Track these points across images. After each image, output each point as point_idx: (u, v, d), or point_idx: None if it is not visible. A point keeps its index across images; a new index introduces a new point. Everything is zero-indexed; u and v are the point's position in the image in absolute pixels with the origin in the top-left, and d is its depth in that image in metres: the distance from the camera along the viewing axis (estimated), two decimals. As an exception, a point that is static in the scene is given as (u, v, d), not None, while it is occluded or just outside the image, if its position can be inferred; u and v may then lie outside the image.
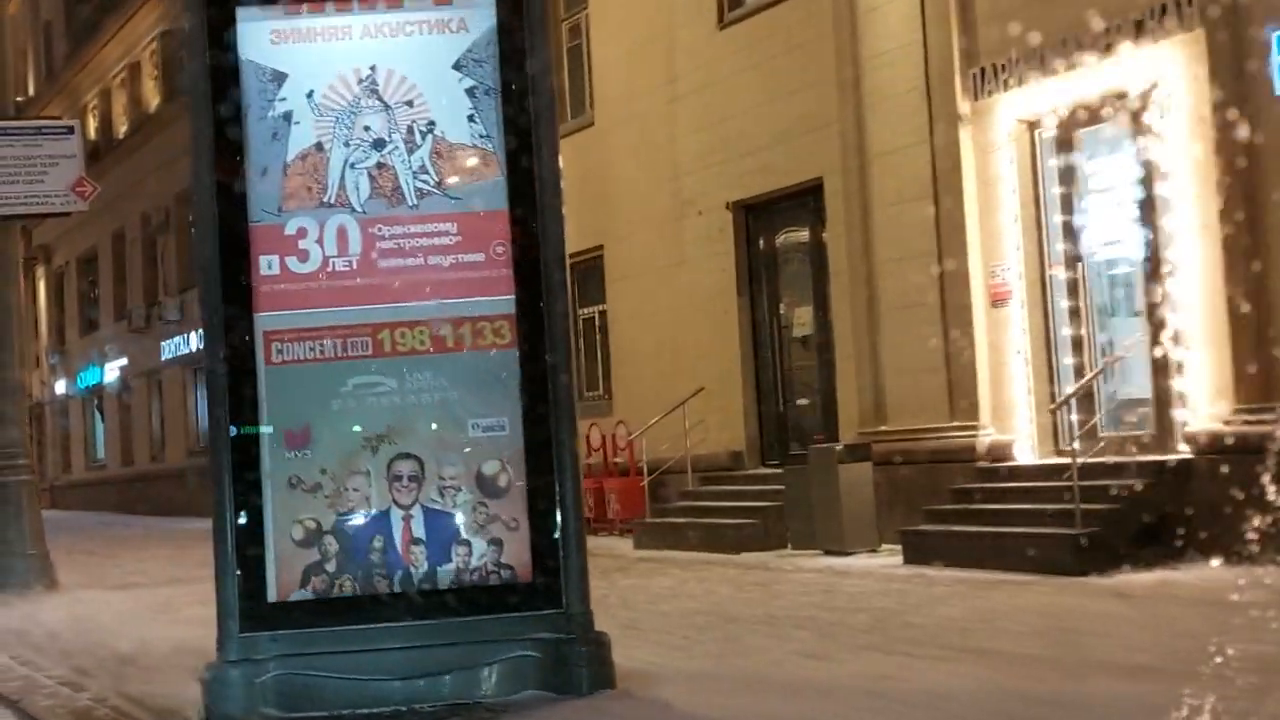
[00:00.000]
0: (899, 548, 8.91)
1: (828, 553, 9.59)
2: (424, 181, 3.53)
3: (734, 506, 11.34)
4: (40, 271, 45.55)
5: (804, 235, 12.08)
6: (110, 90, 36.28)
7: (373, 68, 3.54)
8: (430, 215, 3.53)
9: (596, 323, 13.52)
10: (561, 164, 3.60)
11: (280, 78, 3.53)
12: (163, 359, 35.34)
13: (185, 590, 12.12)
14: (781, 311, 12.40)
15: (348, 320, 3.50)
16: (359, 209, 3.52)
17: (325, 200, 3.52)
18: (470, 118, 3.54)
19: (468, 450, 3.49)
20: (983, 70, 9.30)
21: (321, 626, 3.42)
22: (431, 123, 3.54)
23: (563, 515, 3.47)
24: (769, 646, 5.20)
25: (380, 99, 3.54)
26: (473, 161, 3.53)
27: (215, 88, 3.50)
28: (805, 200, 11.78)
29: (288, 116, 3.53)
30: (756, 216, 12.47)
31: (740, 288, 12.41)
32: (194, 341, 32.95)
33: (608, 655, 3.56)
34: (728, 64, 12.26)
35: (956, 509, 8.66)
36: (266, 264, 3.50)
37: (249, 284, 3.49)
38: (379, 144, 3.53)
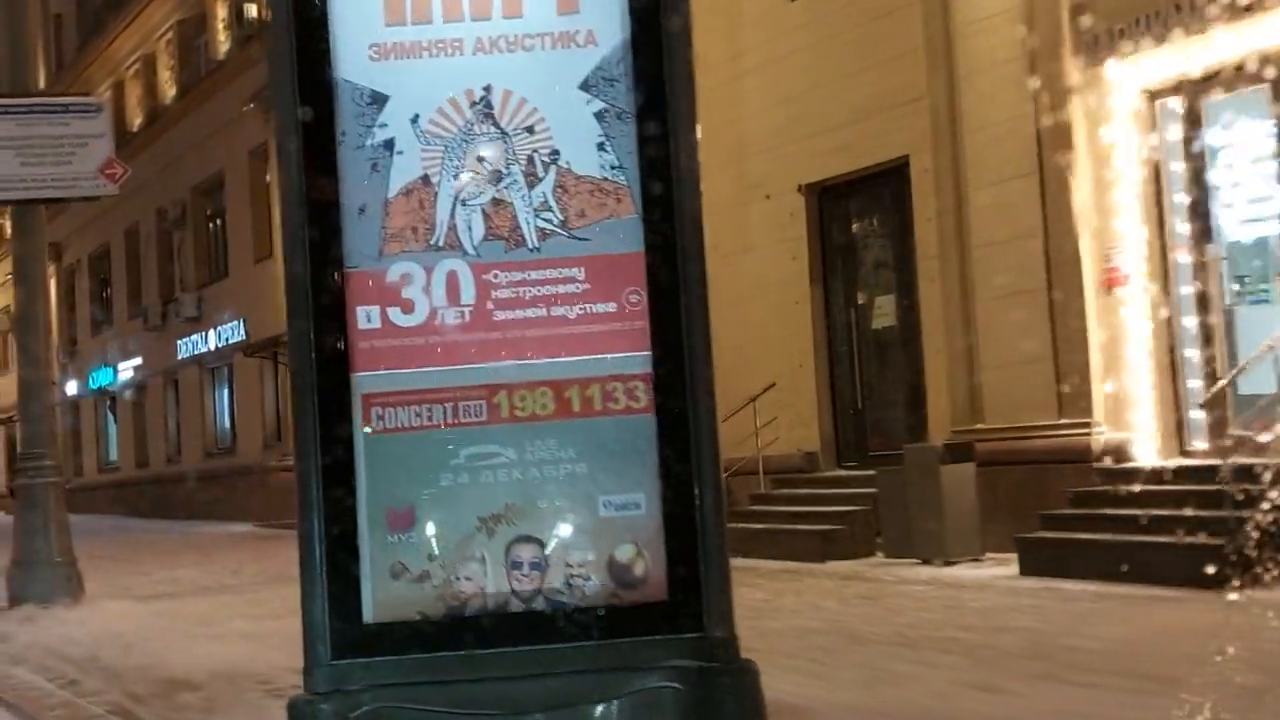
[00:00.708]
0: (1006, 556, 8.62)
1: (926, 562, 9.30)
2: (546, 220, 3.23)
3: (812, 511, 11.06)
4: (50, 269, 45.55)
5: (886, 219, 11.75)
6: (124, 82, 36.26)
7: (487, 88, 3.24)
8: (554, 259, 3.23)
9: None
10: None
11: (380, 100, 3.24)
12: (179, 358, 35.43)
13: (221, 602, 11.98)
14: (859, 301, 12.09)
15: (459, 381, 3.21)
16: (472, 252, 3.23)
17: (433, 242, 3.23)
18: (600, 146, 3.23)
19: (597, 532, 3.20)
20: (1096, 36, 8.92)
21: (423, 651, 3.11)
22: (555, 152, 3.24)
23: (702, 521, 3.14)
24: (921, 674, 4.94)
25: (496, 125, 3.24)
26: (603, 196, 3.23)
27: (304, 105, 3.20)
28: (888, 181, 11.44)
29: (389, 145, 3.23)
30: (832, 199, 12.15)
31: (813, 276, 12.12)
32: (212, 339, 33.00)
33: (757, 687, 3.21)
34: (800, 36, 11.92)
35: (1077, 515, 8.36)
36: (365, 316, 3.22)
37: (345, 339, 3.21)
38: (495, 177, 3.24)
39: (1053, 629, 5.90)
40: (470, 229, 3.24)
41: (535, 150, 3.24)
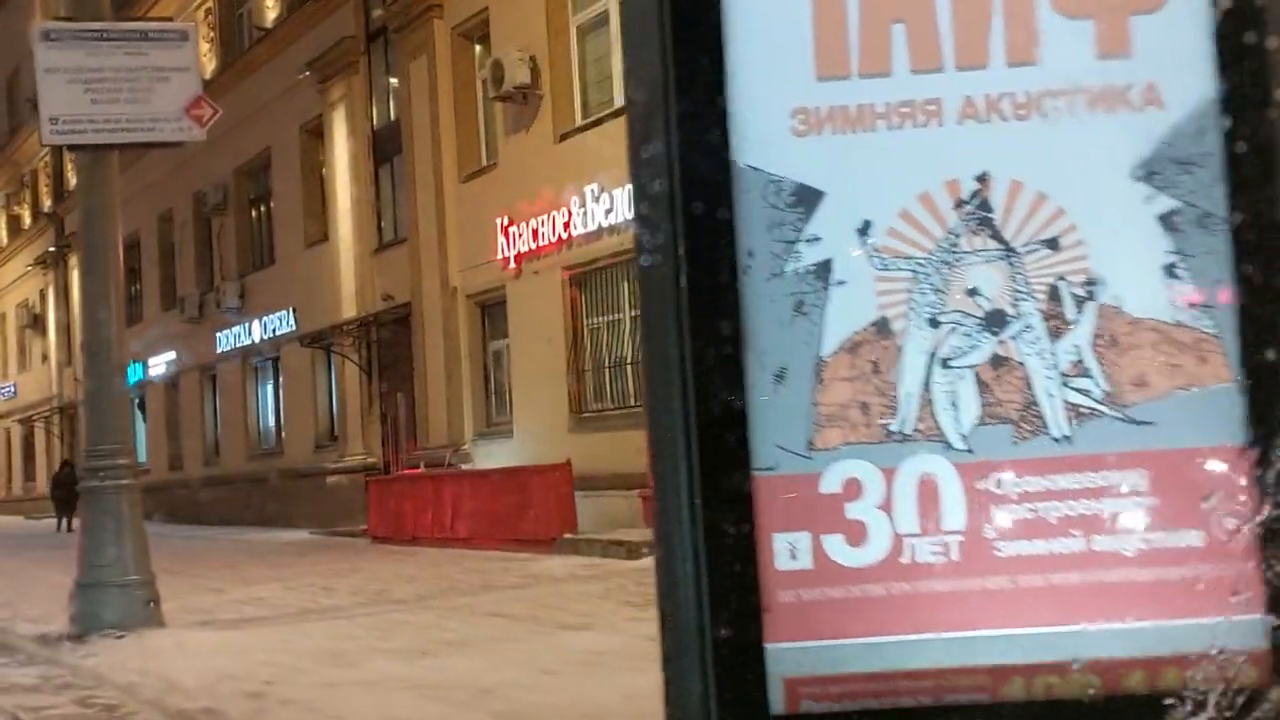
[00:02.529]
0: None
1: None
2: (1082, 391, 2.12)
3: None
4: (74, 261, 45.37)
5: None
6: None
7: (982, 178, 2.13)
8: (1096, 456, 2.11)
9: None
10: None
11: (810, 199, 2.13)
12: (218, 351, 34.59)
13: (336, 630, 10.91)
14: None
15: (945, 658, 2.11)
16: (959, 445, 2.12)
17: (895, 428, 2.13)
18: (1170, 270, 2.11)
19: None
20: None
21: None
22: (1094, 281, 2.12)
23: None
24: None
25: (997, 237, 2.13)
26: (1177, 353, 2.11)
27: (686, 217, 2.11)
28: None
29: (823, 271, 2.13)
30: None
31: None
32: (256, 331, 32.15)
33: None
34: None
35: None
36: (787, 549, 2.12)
37: (752, 588, 2.11)
38: (995, 321, 2.13)
39: None
40: (956, 406, 2.13)
41: (1062, 278, 2.13)
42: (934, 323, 2.13)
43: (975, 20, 2.13)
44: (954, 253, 2.13)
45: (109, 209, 11.50)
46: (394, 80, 25.88)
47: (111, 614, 10.82)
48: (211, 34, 32.52)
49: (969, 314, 2.13)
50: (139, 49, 11.23)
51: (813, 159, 2.13)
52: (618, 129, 19.27)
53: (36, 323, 49.89)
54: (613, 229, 19.44)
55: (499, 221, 21.95)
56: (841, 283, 2.13)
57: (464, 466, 22.98)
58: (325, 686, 7.91)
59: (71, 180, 43.14)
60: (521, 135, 21.57)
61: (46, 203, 48.17)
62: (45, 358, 49.00)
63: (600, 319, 20.67)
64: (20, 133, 50.04)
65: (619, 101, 19.75)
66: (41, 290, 49.37)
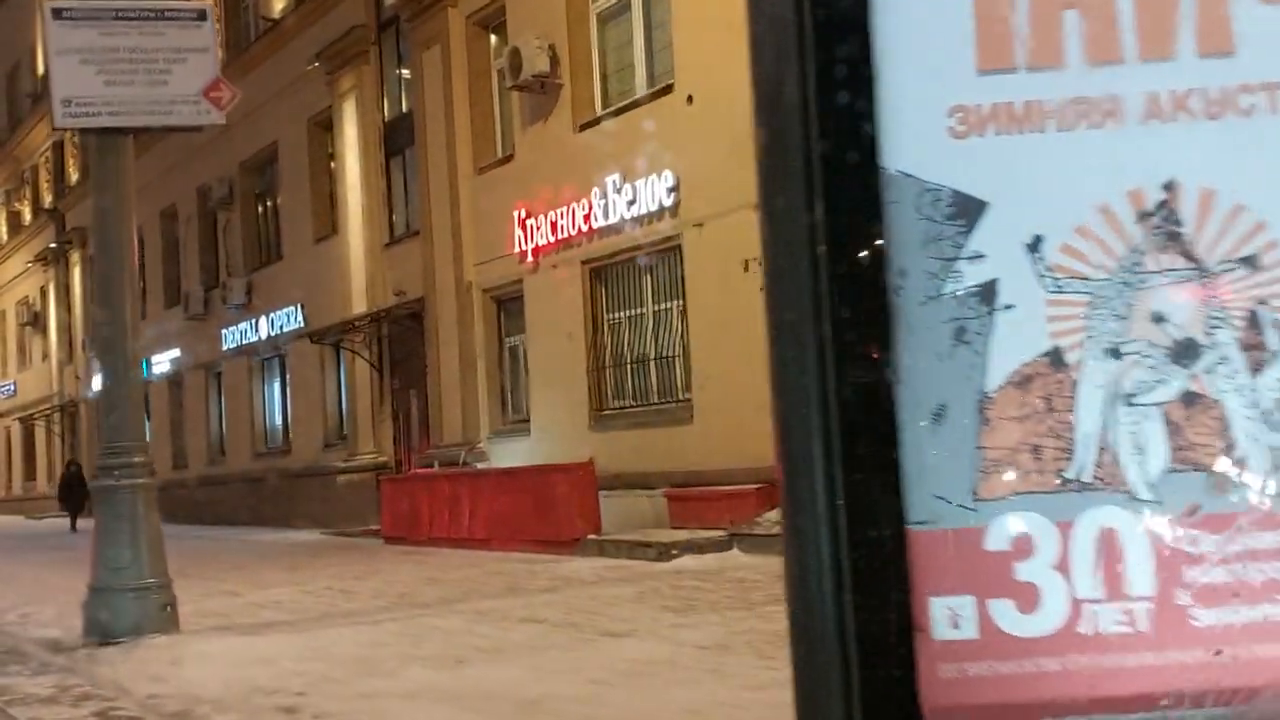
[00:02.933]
0: None
1: None
2: (1291, 433, 1.87)
3: None
4: (75, 257, 45.26)
5: None
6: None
7: (1170, 187, 1.88)
8: (1307, 509, 1.86)
9: None
10: None
11: (971, 210, 1.88)
12: (224, 348, 34.46)
13: (363, 635, 10.69)
14: None
15: (1134, 745, 1.86)
16: (1145, 495, 1.87)
17: (1071, 476, 1.88)
18: (1393, 292, 1.86)
19: None
20: None
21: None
22: (1300, 303, 1.87)
23: None
24: None
25: (1188, 254, 1.88)
26: (1399, 389, 1.85)
27: (828, 232, 1.86)
28: None
29: (987, 294, 1.88)
30: None
31: None
32: (264, 327, 31.98)
33: None
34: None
35: None
36: (948, 617, 1.87)
37: (908, 658, 1.87)
38: (1186, 352, 1.88)
39: None
40: (1142, 451, 1.87)
41: (1263, 302, 1.87)
42: (1115, 354, 1.87)
43: (1160, 6, 1.87)
44: (1137, 273, 1.87)
45: (123, 202, 11.30)
46: (406, 71, 25.64)
47: (127, 619, 10.64)
48: (217, 25, 32.37)
49: (1155, 344, 1.87)
50: (155, 29, 11.02)
51: (974, 164, 1.87)
52: (639, 118, 19.01)
53: (36, 320, 49.78)
54: (634, 221, 19.20)
55: (516, 214, 21.71)
56: (1009, 307, 1.87)
57: (479, 465, 22.78)
58: (361, 698, 7.70)
59: (73, 176, 42.87)
60: (539, 125, 21.33)
61: (47, 199, 48.01)
62: (45, 356, 48.90)
63: (621, 314, 20.43)
64: (20, 129, 49.85)
65: (640, 91, 19.49)
66: (42, 287, 49.24)
